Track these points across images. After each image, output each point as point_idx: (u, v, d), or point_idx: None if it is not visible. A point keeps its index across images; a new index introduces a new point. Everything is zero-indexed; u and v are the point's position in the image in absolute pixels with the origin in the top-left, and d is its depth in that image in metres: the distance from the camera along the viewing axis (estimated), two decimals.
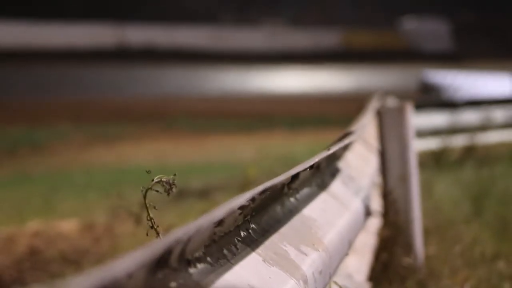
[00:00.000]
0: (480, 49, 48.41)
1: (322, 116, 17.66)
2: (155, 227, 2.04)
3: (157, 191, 1.95)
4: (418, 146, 7.77)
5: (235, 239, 1.70)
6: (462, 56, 43.39)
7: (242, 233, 1.73)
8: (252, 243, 1.73)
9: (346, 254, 2.49)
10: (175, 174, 2.01)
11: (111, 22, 38.06)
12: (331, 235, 2.16)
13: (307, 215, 2.08)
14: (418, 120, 9.33)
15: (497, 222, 6.10)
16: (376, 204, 3.65)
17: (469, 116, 10.10)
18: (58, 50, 35.43)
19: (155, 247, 1.24)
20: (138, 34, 38.42)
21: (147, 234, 2.04)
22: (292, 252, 1.83)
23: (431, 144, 9.81)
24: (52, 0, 41.36)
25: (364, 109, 4.56)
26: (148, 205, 2.01)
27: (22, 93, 23.11)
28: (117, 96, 23.07)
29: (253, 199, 1.69)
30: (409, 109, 4.17)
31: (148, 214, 2.03)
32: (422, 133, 9.63)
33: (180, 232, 1.36)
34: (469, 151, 9.91)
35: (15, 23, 35.94)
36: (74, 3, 43.34)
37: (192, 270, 1.47)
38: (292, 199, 2.09)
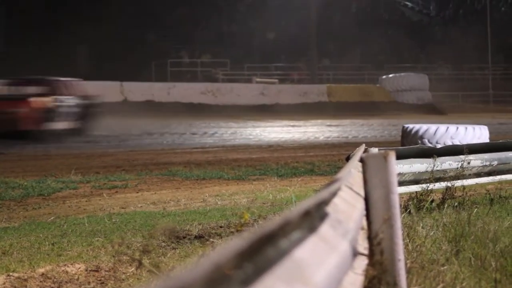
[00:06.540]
0: (458, 101, 48.70)
1: (310, 164, 17.65)
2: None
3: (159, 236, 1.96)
4: (400, 191, 7.77)
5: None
6: (441, 107, 43.60)
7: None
8: (248, 282, 1.73)
9: None
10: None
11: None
12: (321, 275, 2.16)
13: (298, 256, 2.08)
14: (400, 167, 9.34)
15: (476, 260, 6.09)
16: (363, 245, 3.65)
17: (448, 163, 10.12)
18: None
19: None
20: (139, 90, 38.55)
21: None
22: None
23: (413, 189, 9.82)
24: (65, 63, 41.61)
25: (349, 158, 4.58)
26: (150, 249, 2.01)
27: (34, 146, 23.09)
28: (119, 148, 23.07)
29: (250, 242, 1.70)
30: (392, 157, 4.18)
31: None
32: (404, 179, 9.64)
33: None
34: (448, 195, 9.92)
35: None
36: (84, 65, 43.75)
37: None
38: (284, 241, 2.09)
